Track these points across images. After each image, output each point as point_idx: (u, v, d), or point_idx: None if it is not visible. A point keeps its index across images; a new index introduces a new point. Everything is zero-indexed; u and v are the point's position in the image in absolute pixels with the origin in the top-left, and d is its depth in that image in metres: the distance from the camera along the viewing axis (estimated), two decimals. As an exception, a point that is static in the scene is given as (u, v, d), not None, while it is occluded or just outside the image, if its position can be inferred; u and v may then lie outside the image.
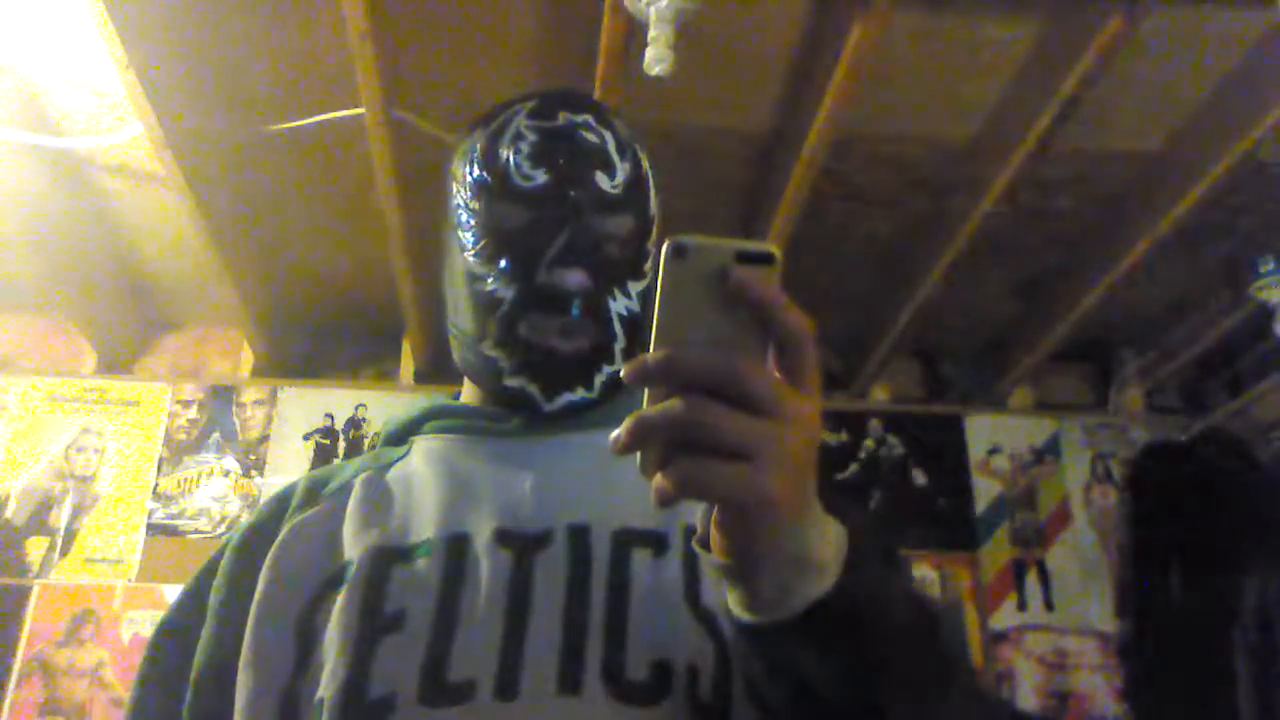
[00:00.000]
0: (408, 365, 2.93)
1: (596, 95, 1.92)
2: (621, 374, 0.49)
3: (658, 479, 0.49)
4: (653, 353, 0.48)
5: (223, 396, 2.84)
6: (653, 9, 1.65)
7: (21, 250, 2.44)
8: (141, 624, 2.57)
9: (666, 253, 0.49)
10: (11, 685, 2.49)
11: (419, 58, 1.98)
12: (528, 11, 1.90)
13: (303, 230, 2.52)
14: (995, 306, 2.89)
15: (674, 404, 0.48)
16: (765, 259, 0.49)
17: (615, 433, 0.49)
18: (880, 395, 3.03)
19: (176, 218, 2.38)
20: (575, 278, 0.79)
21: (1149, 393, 3.06)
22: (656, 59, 1.64)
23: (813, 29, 1.93)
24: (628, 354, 0.83)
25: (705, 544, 0.54)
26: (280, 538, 0.78)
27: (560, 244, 0.80)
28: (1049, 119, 2.00)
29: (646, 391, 0.50)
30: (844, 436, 2.95)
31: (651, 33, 1.65)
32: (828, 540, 0.54)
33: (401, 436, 0.89)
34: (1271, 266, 2.50)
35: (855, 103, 1.98)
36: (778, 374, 0.50)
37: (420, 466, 0.83)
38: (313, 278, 2.72)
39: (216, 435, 2.80)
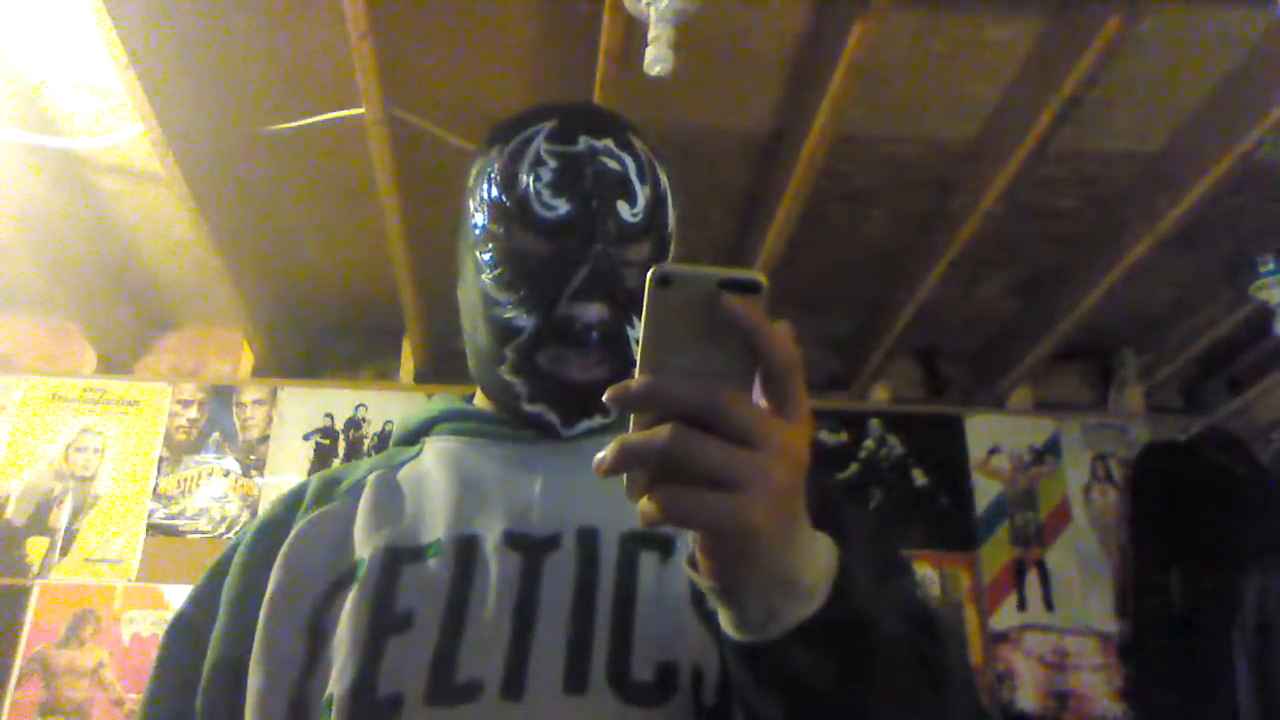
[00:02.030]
0: (408, 365, 2.93)
1: (596, 95, 1.92)
2: (604, 398, 0.49)
3: (643, 503, 0.49)
4: (636, 379, 0.49)
5: (223, 396, 2.84)
6: (653, 9, 1.65)
7: (21, 250, 2.44)
8: (141, 624, 2.57)
9: (651, 281, 0.48)
10: (11, 685, 2.49)
11: (419, 58, 1.98)
12: (528, 11, 1.90)
13: (303, 230, 2.52)
14: (995, 306, 2.89)
15: (658, 432, 0.48)
16: (752, 287, 0.49)
17: (600, 454, 0.49)
18: (880, 395, 3.03)
19: (176, 218, 2.38)
20: (595, 310, 0.79)
21: (1149, 393, 3.06)
22: (656, 59, 1.64)
23: (813, 29, 1.93)
24: None
25: (695, 564, 0.54)
26: (292, 535, 0.78)
27: (581, 277, 0.79)
28: (1049, 119, 2.00)
29: (632, 416, 0.50)
30: (844, 436, 2.95)
31: (651, 33, 1.65)
32: (816, 562, 0.54)
33: (414, 437, 0.89)
34: (1271, 266, 2.50)
35: (855, 103, 1.98)
36: (765, 402, 0.50)
37: (432, 467, 0.83)
38: (313, 278, 2.72)
39: (216, 435, 2.80)
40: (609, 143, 0.84)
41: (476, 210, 0.85)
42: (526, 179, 0.82)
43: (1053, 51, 1.94)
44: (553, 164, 0.82)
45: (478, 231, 0.84)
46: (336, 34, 1.85)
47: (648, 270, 0.82)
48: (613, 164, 0.83)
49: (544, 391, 0.81)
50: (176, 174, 2.09)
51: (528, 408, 0.82)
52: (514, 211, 0.82)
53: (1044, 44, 1.95)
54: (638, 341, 0.80)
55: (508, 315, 0.81)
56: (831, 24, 1.89)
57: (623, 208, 0.82)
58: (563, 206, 0.81)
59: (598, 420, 0.82)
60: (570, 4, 1.87)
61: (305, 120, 2.07)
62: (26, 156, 2.19)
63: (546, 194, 0.81)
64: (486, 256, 0.83)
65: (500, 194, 0.83)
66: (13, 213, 2.30)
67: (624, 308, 0.80)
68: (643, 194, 0.83)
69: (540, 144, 0.83)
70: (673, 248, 0.88)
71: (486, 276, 0.83)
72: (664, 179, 0.88)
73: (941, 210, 2.43)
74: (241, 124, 2.12)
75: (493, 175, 0.84)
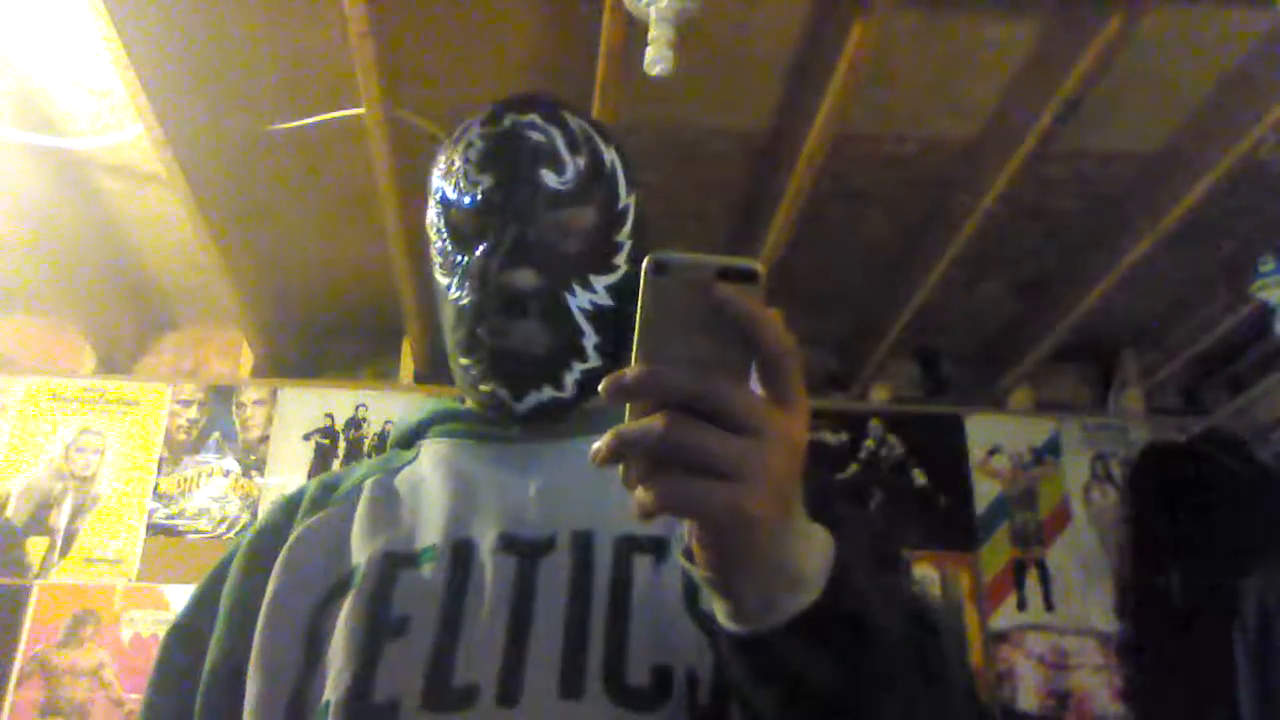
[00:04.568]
0: (407, 365, 2.93)
1: (596, 95, 1.92)
2: (600, 388, 0.49)
3: (638, 493, 0.49)
4: (632, 368, 0.48)
5: (223, 396, 2.84)
6: (653, 9, 1.65)
7: (21, 250, 2.44)
8: (141, 624, 2.57)
9: (647, 269, 0.48)
10: (11, 685, 2.49)
11: (419, 58, 1.98)
12: (528, 11, 1.90)
13: (303, 230, 2.52)
14: (995, 306, 2.89)
15: (654, 421, 0.48)
16: (748, 275, 0.48)
17: (596, 444, 0.49)
18: (880, 395, 3.03)
19: (176, 218, 2.38)
20: (524, 278, 0.80)
21: (1149, 393, 3.06)
22: (656, 59, 1.64)
23: (813, 29, 1.93)
24: (604, 349, 0.84)
25: (690, 555, 0.54)
26: (290, 541, 0.79)
27: (506, 245, 0.80)
28: (1049, 119, 2.00)
29: (628, 405, 0.50)
30: (844, 436, 2.95)
31: (651, 33, 1.65)
32: (813, 552, 0.54)
33: (410, 440, 0.90)
34: (1271, 266, 2.49)
35: (855, 103, 1.98)
36: (762, 390, 0.50)
37: (428, 471, 0.83)
38: (313, 278, 2.72)
39: (216, 435, 2.80)
40: (533, 117, 0.85)
41: (430, 207, 0.88)
42: (458, 163, 0.84)
43: (1053, 51, 1.94)
44: (479, 144, 0.84)
45: (430, 225, 0.87)
46: (336, 34, 1.86)
47: (589, 238, 0.84)
48: (536, 135, 0.84)
49: (490, 367, 0.82)
50: (177, 174, 2.09)
51: (482, 389, 0.83)
52: (449, 196, 0.84)
53: (1044, 44, 1.95)
54: (585, 311, 0.81)
55: (454, 297, 0.83)
56: (831, 24, 1.89)
57: (547, 175, 0.83)
58: (487, 180, 0.83)
59: (548, 393, 0.82)
60: (570, 4, 1.87)
61: (305, 120, 2.07)
62: (27, 156, 2.19)
63: (473, 172, 0.83)
64: (436, 246, 0.86)
65: (440, 184, 0.86)
66: (13, 213, 2.30)
67: (559, 274, 0.81)
68: (573, 164, 0.84)
69: (473, 130, 0.86)
70: (630, 221, 0.88)
71: (437, 266, 0.86)
72: (609, 153, 0.88)
73: (941, 210, 2.43)
74: (241, 124, 2.12)
75: (439, 169, 0.87)
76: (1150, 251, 2.39)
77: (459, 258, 0.83)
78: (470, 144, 0.84)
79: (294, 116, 2.08)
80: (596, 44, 1.84)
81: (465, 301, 0.82)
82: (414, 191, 2.22)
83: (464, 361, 0.83)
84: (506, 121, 0.85)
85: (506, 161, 0.83)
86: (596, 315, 0.83)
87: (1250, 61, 1.99)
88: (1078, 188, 2.38)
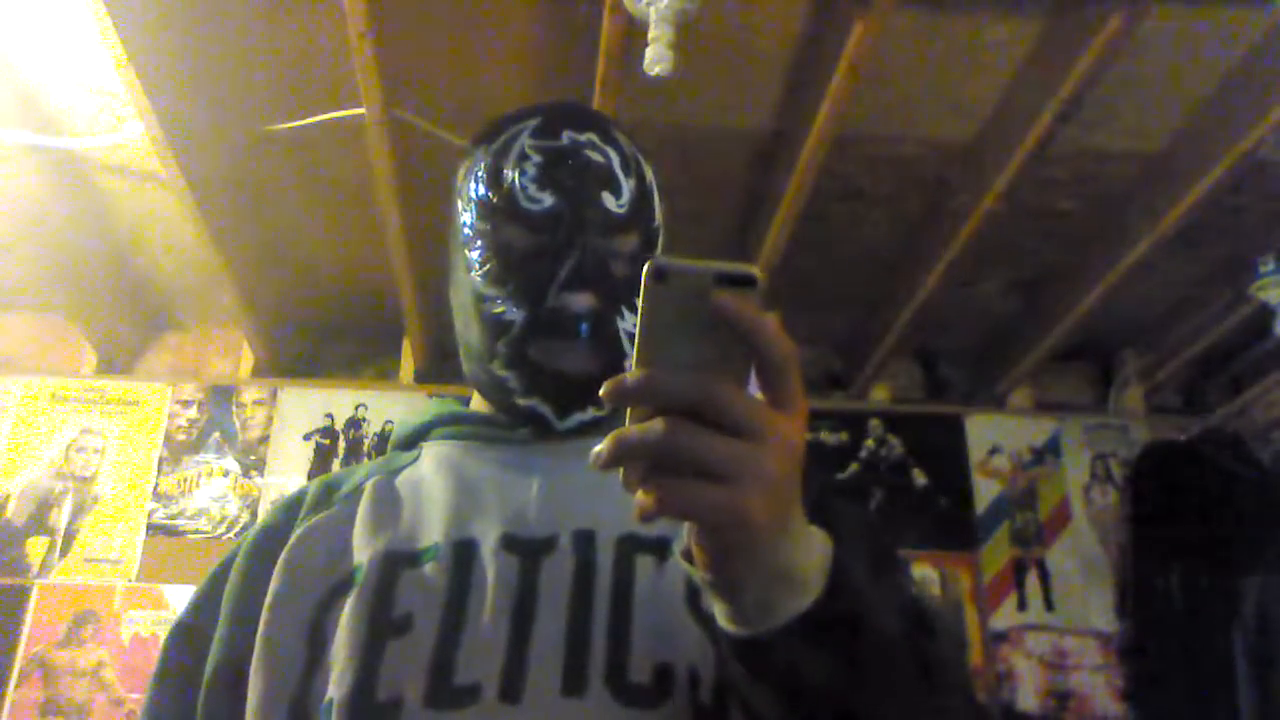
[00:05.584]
0: (408, 365, 2.94)
1: (596, 95, 1.92)
2: (600, 393, 0.49)
3: (639, 496, 0.50)
4: (632, 373, 0.49)
5: (223, 396, 2.84)
6: (653, 9, 1.65)
7: (21, 250, 2.45)
8: (141, 624, 2.57)
9: (647, 275, 0.49)
10: (11, 685, 2.49)
11: (419, 58, 1.98)
12: (528, 11, 1.90)
13: (303, 230, 2.52)
14: (995, 306, 2.89)
15: (654, 425, 0.48)
16: (746, 281, 0.49)
17: (597, 448, 0.49)
18: (880, 395, 3.03)
19: (177, 218, 2.38)
20: (584, 301, 0.79)
21: (1149, 393, 3.06)
22: (656, 59, 1.64)
23: (813, 29, 1.93)
24: None
25: (690, 557, 0.54)
26: (292, 541, 0.78)
27: (569, 267, 0.80)
28: (1049, 119, 2.00)
29: (629, 409, 0.50)
30: (844, 436, 2.95)
31: (651, 33, 1.65)
32: (811, 554, 0.54)
33: (412, 442, 0.89)
34: (1271, 266, 2.50)
35: (855, 103, 1.98)
36: (761, 394, 0.50)
37: (429, 472, 0.83)
38: (313, 278, 2.72)
39: (216, 435, 2.80)
40: (592, 136, 0.85)
41: (464, 210, 0.86)
42: (512, 174, 0.83)
43: (1053, 51, 1.94)
44: (537, 158, 0.83)
45: (466, 230, 0.85)
46: (336, 34, 1.86)
47: (635, 262, 0.83)
48: (596, 156, 0.84)
49: (537, 384, 0.81)
50: (176, 174, 2.09)
51: (521, 402, 0.82)
52: (500, 207, 0.82)
53: (1044, 44, 1.95)
54: (631, 334, 0.81)
55: (498, 310, 0.82)
56: (831, 24, 1.89)
57: (607, 199, 0.83)
58: (548, 199, 0.81)
59: (591, 413, 0.82)
60: (570, 4, 1.87)
61: (305, 120, 2.07)
62: (26, 156, 2.19)
63: (532, 188, 0.82)
64: (475, 254, 0.84)
65: (487, 191, 0.84)
66: (13, 213, 2.30)
67: (612, 299, 0.81)
68: (627, 186, 0.84)
69: (524, 140, 0.84)
70: (660, 241, 0.88)
71: (476, 273, 0.83)
72: (649, 174, 0.88)
73: (941, 210, 2.43)
74: (241, 124, 2.12)
75: (479, 174, 0.85)
76: (1150, 251, 2.39)
77: (507, 271, 0.82)
78: (525, 156, 0.83)
79: (294, 116, 2.08)
80: (596, 44, 1.84)
81: (514, 317, 0.81)
82: (414, 191, 2.22)
83: (503, 374, 0.82)
84: (564, 138, 0.84)
85: (569, 181, 0.82)
86: None
87: (1250, 61, 1.99)
88: (1078, 188, 2.38)
